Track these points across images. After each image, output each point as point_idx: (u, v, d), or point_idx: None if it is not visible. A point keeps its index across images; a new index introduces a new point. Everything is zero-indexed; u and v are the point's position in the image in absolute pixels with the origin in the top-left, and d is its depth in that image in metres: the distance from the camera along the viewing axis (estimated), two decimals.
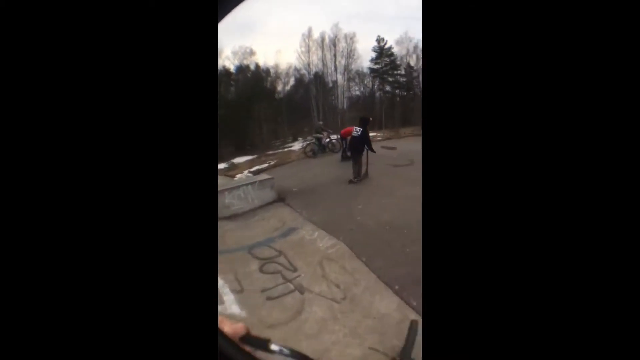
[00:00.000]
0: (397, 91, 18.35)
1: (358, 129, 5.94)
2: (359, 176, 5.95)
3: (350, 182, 5.87)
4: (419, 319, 1.96)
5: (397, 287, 2.95)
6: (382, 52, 17.82)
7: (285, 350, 0.48)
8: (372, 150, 6.01)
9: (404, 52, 17.84)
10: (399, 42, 17.80)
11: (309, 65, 16.73)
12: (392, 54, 17.93)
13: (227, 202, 5.05)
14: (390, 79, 18.15)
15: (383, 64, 17.92)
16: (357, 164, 5.93)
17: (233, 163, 10.10)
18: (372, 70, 18.01)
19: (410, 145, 8.73)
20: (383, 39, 17.80)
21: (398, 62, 17.99)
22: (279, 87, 17.15)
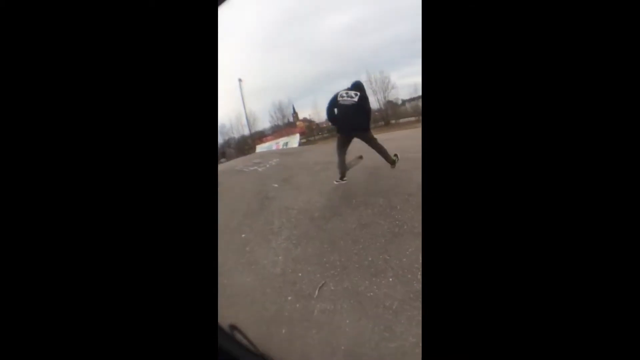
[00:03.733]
0: None
1: (353, 93, 3.09)
2: (346, 170, 3.19)
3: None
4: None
5: None
6: None
7: None
8: (366, 130, 3.15)
9: None
10: None
11: None
12: None
13: None
14: None
15: None
16: (344, 152, 3.12)
17: None
18: None
19: None
20: None
21: None
22: None
